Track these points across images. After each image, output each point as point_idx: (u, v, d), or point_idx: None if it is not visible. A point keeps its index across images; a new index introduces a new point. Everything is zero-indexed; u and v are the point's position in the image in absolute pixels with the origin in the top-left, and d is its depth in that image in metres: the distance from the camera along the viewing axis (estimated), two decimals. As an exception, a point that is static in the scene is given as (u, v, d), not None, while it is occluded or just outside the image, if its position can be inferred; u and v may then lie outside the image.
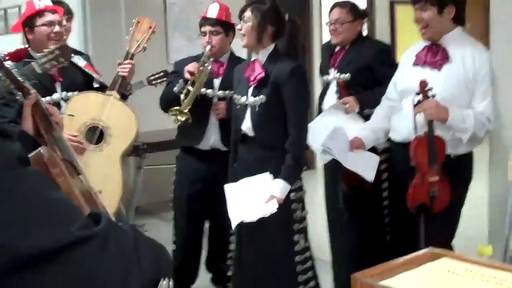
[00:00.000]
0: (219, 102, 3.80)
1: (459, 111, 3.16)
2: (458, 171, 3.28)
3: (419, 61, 3.33)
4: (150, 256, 1.13)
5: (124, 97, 3.54)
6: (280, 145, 3.17)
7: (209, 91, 3.80)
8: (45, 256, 0.96)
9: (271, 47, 3.27)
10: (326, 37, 7.15)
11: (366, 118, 3.69)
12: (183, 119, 3.59)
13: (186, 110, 3.57)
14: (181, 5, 6.37)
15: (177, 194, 3.98)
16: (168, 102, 3.78)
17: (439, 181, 3.17)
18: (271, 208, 3.09)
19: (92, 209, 1.17)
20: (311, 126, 3.70)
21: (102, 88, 3.55)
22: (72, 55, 3.43)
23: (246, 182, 3.25)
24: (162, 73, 4.16)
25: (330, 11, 3.92)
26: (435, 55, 3.27)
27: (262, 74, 3.22)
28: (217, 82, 3.85)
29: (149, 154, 5.25)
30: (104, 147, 3.39)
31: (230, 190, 3.31)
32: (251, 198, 3.20)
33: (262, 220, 3.12)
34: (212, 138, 3.83)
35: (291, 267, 3.26)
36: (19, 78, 2.36)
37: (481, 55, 3.24)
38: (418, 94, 3.16)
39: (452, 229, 3.33)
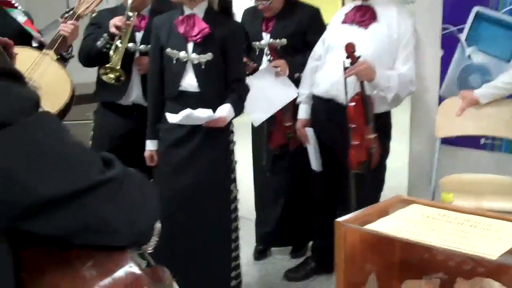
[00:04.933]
0: (142, 57, 3.70)
1: (384, 71, 3.28)
2: (381, 128, 3.41)
3: (348, 19, 3.43)
4: (154, 201, 1.14)
5: (63, 59, 3.34)
6: (221, 100, 3.21)
7: (130, 45, 3.69)
8: (65, 200, 0.95)
9: (205, 3, 3.24)
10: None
11: (295, 82, 3.77)
12: (115, 76, 3.48)
13: (118, 67, 3.46)
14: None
15: (95, 151, 3.86)
16: (90, 57, 3.64)
17: (375, 138, 3.30)
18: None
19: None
20: None
21: (42, 48, 3.33)
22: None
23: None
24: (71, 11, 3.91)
25: None
26: (363, 14, 3.37)
27: (207, 31, 3.20)
28: (138, 36, 3.74)
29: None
30: None
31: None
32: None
33: (205, 175, 3.22)
34: (134, 94, 3.73)
35: (227, 215, 3.34)
36: None
37: (406, 20, 3.38)
38: (347, 58, 3.24)
39: (381, 183, 3.49)
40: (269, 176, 4.00)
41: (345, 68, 3.23)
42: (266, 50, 3.86)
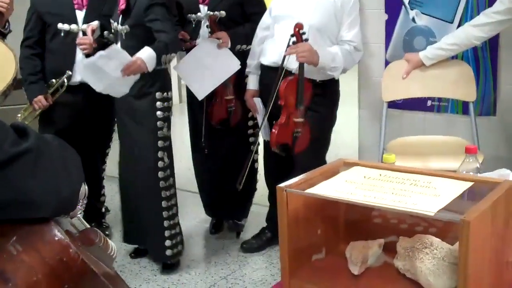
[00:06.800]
0: (84, 37, 3.64)
1: (327, 51, 3.27)
2: (326, 93, 3.43)
3: None
4: (75, 165, 1.13)
5: (1, 34, 3.27)
6: None
7: (73, 26, 3.67)
8: None
9: None
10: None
11: (237, 54, 3.70)
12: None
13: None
14: None
15: (44, 132, 3.81)
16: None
17: (303, 123, 3.28)
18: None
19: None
20: (186, 59, 3.67)
21: None
22: None
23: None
24: None
25: None
26: None
27: (123, 6, 3.36)
28: (80, 14, 3.70)
29: None
30: None
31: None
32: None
33: (134, 136, 3.47)
34: (79, 73, 3.69)
35: (154, 182, 3.48)
36: None
37: None
38: (292, 36, 3.21)
39: (325, 151, 3.51)
40: (207, 154, 3.96)
41: (288, 45, 3.22)
42: (204, 22, 3.76)
